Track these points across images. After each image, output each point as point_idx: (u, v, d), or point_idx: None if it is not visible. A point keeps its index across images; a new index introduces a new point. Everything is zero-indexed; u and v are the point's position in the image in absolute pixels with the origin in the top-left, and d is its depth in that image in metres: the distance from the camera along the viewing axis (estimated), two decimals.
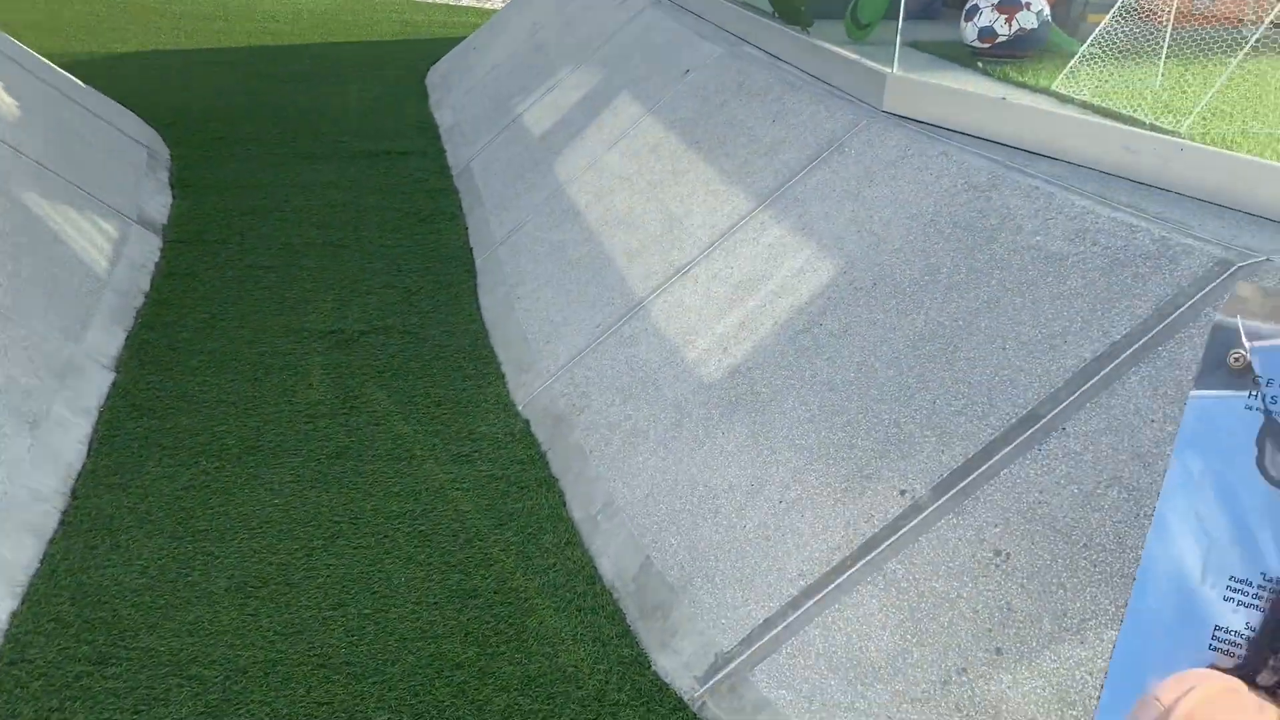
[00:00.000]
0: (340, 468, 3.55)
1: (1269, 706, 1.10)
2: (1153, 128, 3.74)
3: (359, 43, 10.66)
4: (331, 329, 4.58)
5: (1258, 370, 1.21)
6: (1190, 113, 3.77)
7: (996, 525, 2.47)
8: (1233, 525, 1.22)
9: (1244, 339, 1.24)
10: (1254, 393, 1.19)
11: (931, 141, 3.56)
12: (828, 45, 4.55)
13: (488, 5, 12.80)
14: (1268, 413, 1.20)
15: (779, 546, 2.78)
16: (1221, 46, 4.48)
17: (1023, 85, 4.46)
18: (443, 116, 7.90)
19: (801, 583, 2.67)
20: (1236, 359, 1.24)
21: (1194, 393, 1.27)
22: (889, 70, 3.93)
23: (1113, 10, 4.33)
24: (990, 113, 3.56)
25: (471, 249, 5.57)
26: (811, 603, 2.62)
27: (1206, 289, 2.56)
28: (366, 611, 2.90)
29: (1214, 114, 3.89)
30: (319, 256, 5.41)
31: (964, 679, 2.33)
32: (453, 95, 8.15)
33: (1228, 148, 3.45)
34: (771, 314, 3.42)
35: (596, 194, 4.96)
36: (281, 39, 10.74)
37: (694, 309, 3.71)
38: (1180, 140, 3.05)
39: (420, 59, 9.84)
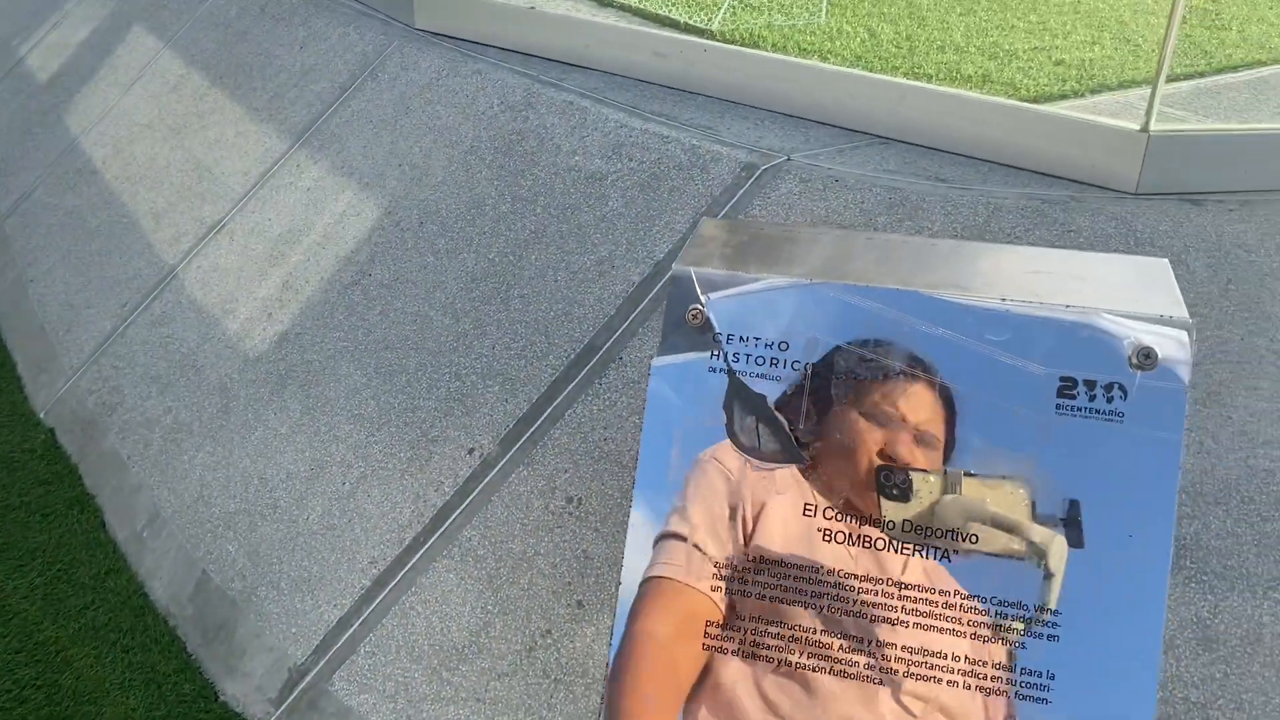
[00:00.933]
0: None
1: None
2: (687, 27, 3.72)
3: None
4: None
5: (716, 327, 1.08)
6: (720, 8, 3.79)
7: (566, 470, 2.34)
8: (710, 506, 1.10)
9: (699, 291, 1.10)
10: (715, 352, 1.05)
11: (466, 60, 3.31)
12: None
13: None
14: (731, 372, 1.07)
15: (347, 534, 2.51)
16: None
17: None
18: None
19: (374, 571, 2.42)
20: (694, 315, 1.09)
21: (656, 360, 1.12)
22: None
23: None
24: (522, 25, 3.36)
25: None
26: (386, 591, 2.39)
27: (737, 196, 2.53)
28: None
29: (745, 8, 3.94)
30: None
31: (549, 640, 2.20)
32: None
33: (755, 44, 3.48)
34: (317, 269, 3.07)
35: (115, 146, 4.28)
36: None
37: (233, 272, 3.28)
38: (704, 42, 3.01)
39: None
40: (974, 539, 0.89)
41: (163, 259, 3.53)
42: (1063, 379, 0.93)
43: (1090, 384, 0.91)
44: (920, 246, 1.10)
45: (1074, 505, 0.90)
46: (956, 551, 0.90)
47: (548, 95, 3.01)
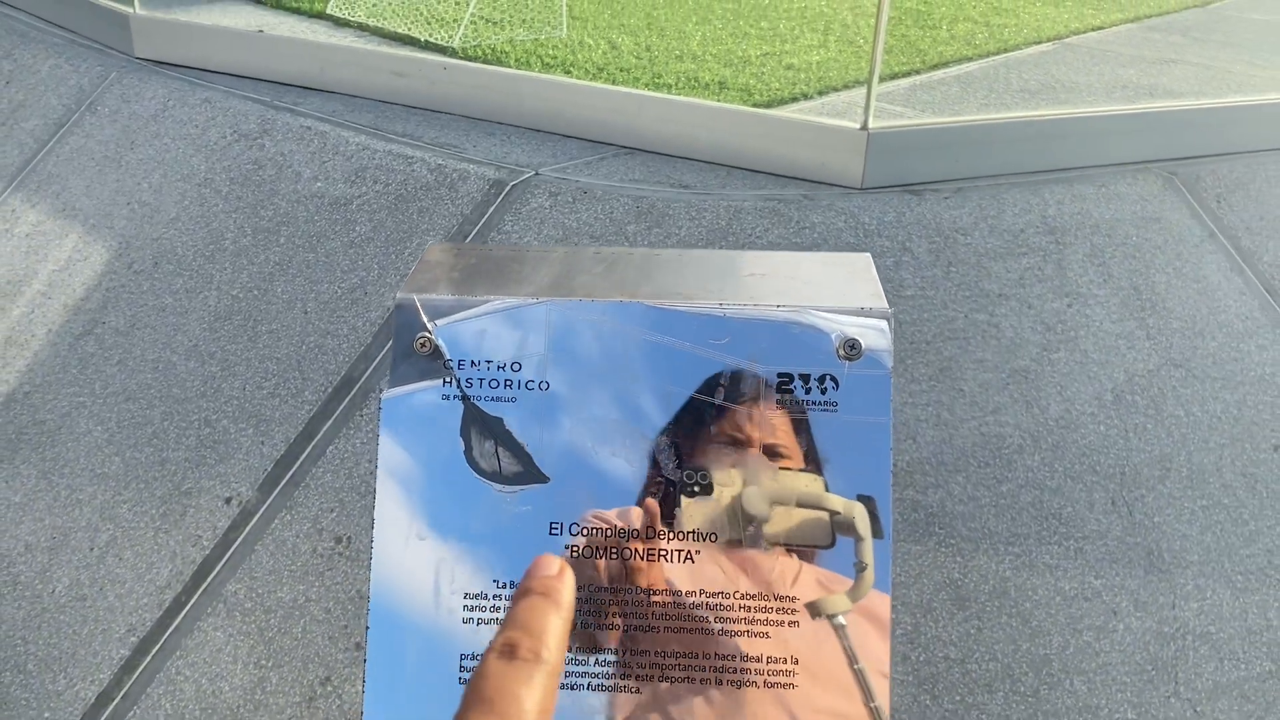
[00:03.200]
0: None
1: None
2: (428, 45, 3.68)
3: None
4: None
5: (446, 353, 1.06)
6: (461, 24, 3.76)
7: (332, 509, 2.26)
8: (459, 537, 1.08)
9: (425, 319, 1.08)
10: (448, 379, 1.03)
11: (194, 89, 3.14)
12: None
13: None
14: (465, 398, 1.05)
15: (100, 604, 2.33)
16: None
17: (296, 11, 4.18)
18: None
19: (133, 639, 2.26)
20: (422, 344, 1.07)
21: (386, 393, 1.09)
22: (131, 10, 3.40)
23: None
24: (252, 50, 3.22)
25: None
26: (149, 659, 2.23)
27: (488, 213, 2.51)
28: None
29: (485, 23, 3.93)
30: None
31: (329, 689, 2.11)
32: None
33: (499, 60, 3.48)
34: (44, 320, 2.84)
35: None
36: None
37: None
38: (445, 59, 2.98)
39: None
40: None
41: None
42: (780, 375, 0.97)
43: (805, 378, 0.95)
44: (645, 258, 1.12)
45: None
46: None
47: (283, 121, 2.90)
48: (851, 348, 0.89)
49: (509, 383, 1.04)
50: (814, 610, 0.99)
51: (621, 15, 4.23)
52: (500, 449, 1.06)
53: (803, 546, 0.94)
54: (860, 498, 0.95)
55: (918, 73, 3.66)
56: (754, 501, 1.01)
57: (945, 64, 3.78)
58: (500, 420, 1.05)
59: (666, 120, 2.70)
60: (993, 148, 2.59)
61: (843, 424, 0.89)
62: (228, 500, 2.35)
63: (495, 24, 3.92)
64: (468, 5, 3.80)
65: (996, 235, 2.49)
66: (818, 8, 4.63)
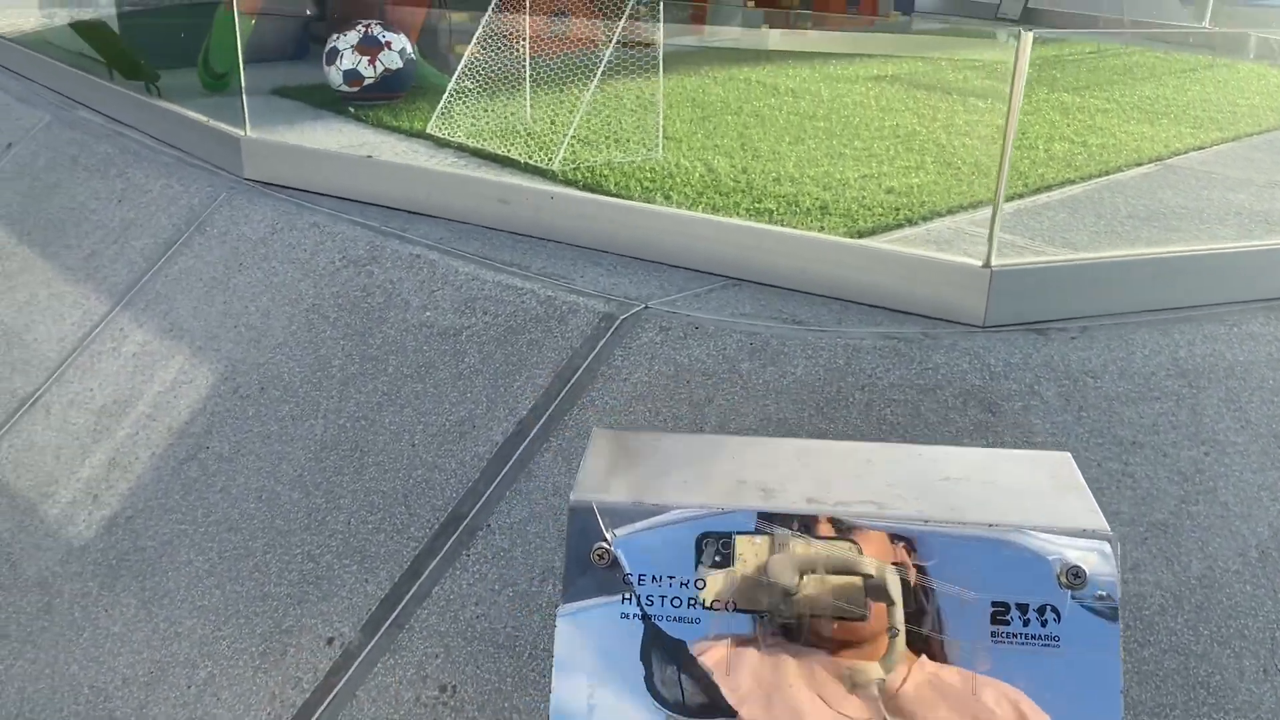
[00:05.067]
0: None
1: None
2: (527, 167, 3.71)
3: None
4: None
5: (626, 567, 0.99)
6: (559, 146, 3.80)
7: (437, 655, 2.19)
8: None
9: (603, 527, 1.02)
10: (628, 595, 0.96)
11: (301, 211, 3.18)
12: (173, 106, 3.98)
13: None
14: (647, 617, 0.98)
15: None
16: (581, 71, 4.63)
17: (397, 130, 4.26)
18: None
19: None
20: (600, 555, 1.01)
21: (562, 608, 1.02)
22: (242, 133, 3.48)
23: (474, 39, 4.27)
24: (359, 174, 3.26)
25: None
26: None
27: (598, 347, 2.47)
28: None
29: (583, 143, 3.96)
30: None
31: None
32: None
33: (598, 183, 3.49)
34: (148, 443, 2.84)
35: None
36: None
37: (50, 450, 3.00)
38: (551, 188, 2.99)
39: None
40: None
41: None
42: (995, 604, 0.88)
43: (1023, 608, 0.86)
44: (823, 452, 1.04)
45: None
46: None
47: (392, 248, 2.91)
48: (1075, 576, 0.80)
49: (693, 601, 0.97)
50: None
51: (715, 136, 4.25)
52: (684, 677, 0.98)
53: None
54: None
55: (1020, 196, 3.60)
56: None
57: (1048, 187, 3.72)
58: (683, 644, 0.97)
59: (777, 252, 2.66)
60: (1119, 285, 2.51)
61: (1067, 663, 0.80)
62: (330, 640, 2.28)
63: (590, 144, 3.96)
64: (567, 128, 3.84)
65: (1127, 379, 2.38)
66: (909, 125, 4.62)
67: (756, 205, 3.31)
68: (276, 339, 2.85)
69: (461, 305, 2.67)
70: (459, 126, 4.16)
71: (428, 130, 4.18)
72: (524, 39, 4.37)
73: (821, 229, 3.06)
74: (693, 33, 6.50)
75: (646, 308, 2.54)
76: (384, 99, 4.61)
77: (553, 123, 4.26)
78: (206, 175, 3.56)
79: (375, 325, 2.74)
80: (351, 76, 4.53)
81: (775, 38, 6.90)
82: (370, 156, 3.30)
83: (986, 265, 2.43)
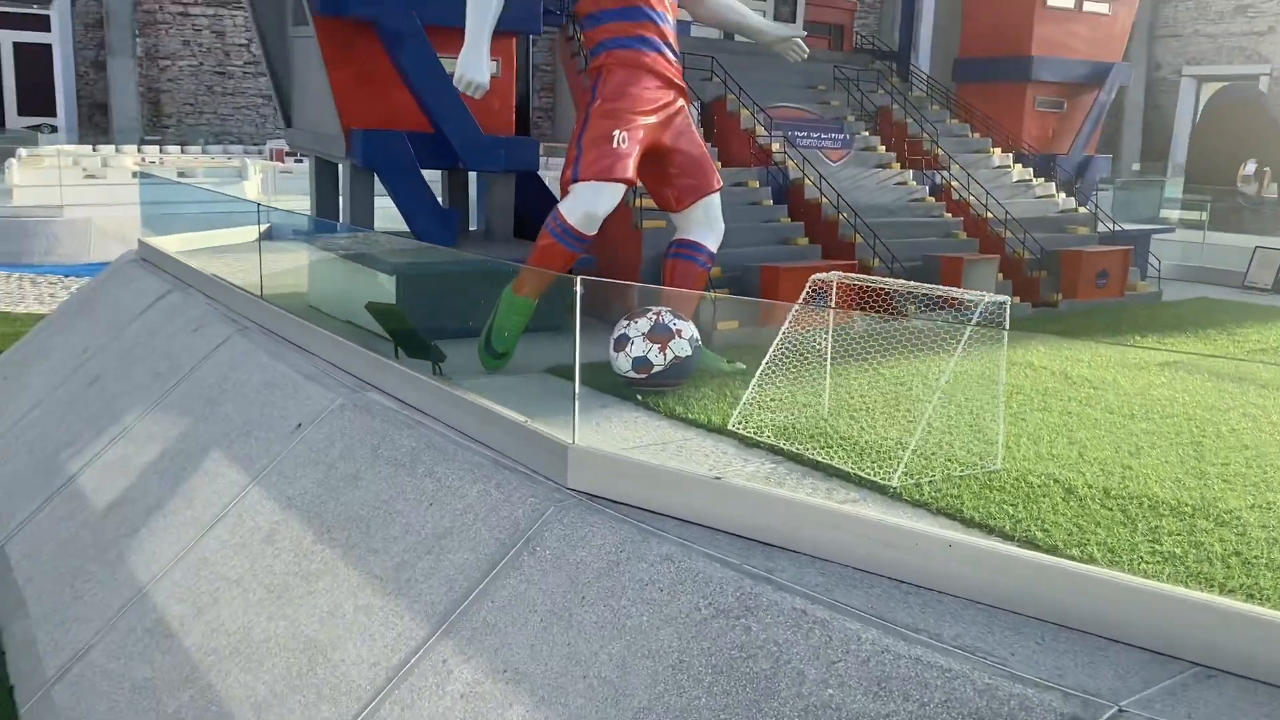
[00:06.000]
0: None
1: None
2: (859, 479, 3.38)
3: None
4: None
5: None
6: (898, 460, 3.47)
7: None
8: None
9: None
10: None
11: (647, 539, 2.90)
12: (482, 400, 3.85)
13: (21, 308, 10.93)
14: None
15: None
16: (884, 359, 4.35)
17: (694, 423, 4.03)
18: None
19: None
20: None
21: None
22: (570, 441, 3.28)
23: (780, 335, 4.06)
24: (707, 497, 2.99)
25: (10, 688, 4.06)
26: None
27: None
28: None
29: (917, 454, 3.62)
30: None
31: None
32: None
33: (956, 509, 3.13)
34: None
35: (195, 604, 3.78)
36: None
37: None
38: (949, 535, 2.63)
39: None
40: None
41: None
42: None
43: None
44: None
45: None
46: None
47: (767, 597, 2.57)
48: None
49: None
50: None
51: (1034, 438, 3.88)
52: None
53: None
54: None
55: None
56: None
57: None
58: None
59: (1267, 640, 2.20)
60: None
61: None
62: None
63: (925, 456, 3.61)
64: (911, 437, 3.52)
65: None
66: (1251, 429, 4.15)
67: (1156, 548, 2.87)
68: (638, 701, 2.50)
69: (873, 685, 2.28)
70: (764, 423, 3.90)
71: (729, 426, 3.93)
72: (828, 333, 4.15)
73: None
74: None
75: (1121, 711, 2.09)
76: (669, 386, 4.44)
77: (868, 424, 3.97)
78: (525, 481, 3.35)
79: (763, 699, 2.36)
80: (641, 364, 4.38)
81: (1026, 311, 6.59)
82: (719, 478, 3.03)
83: None
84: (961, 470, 3.49)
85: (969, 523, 3.03)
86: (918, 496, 3.24)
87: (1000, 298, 3.50)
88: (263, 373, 4.91)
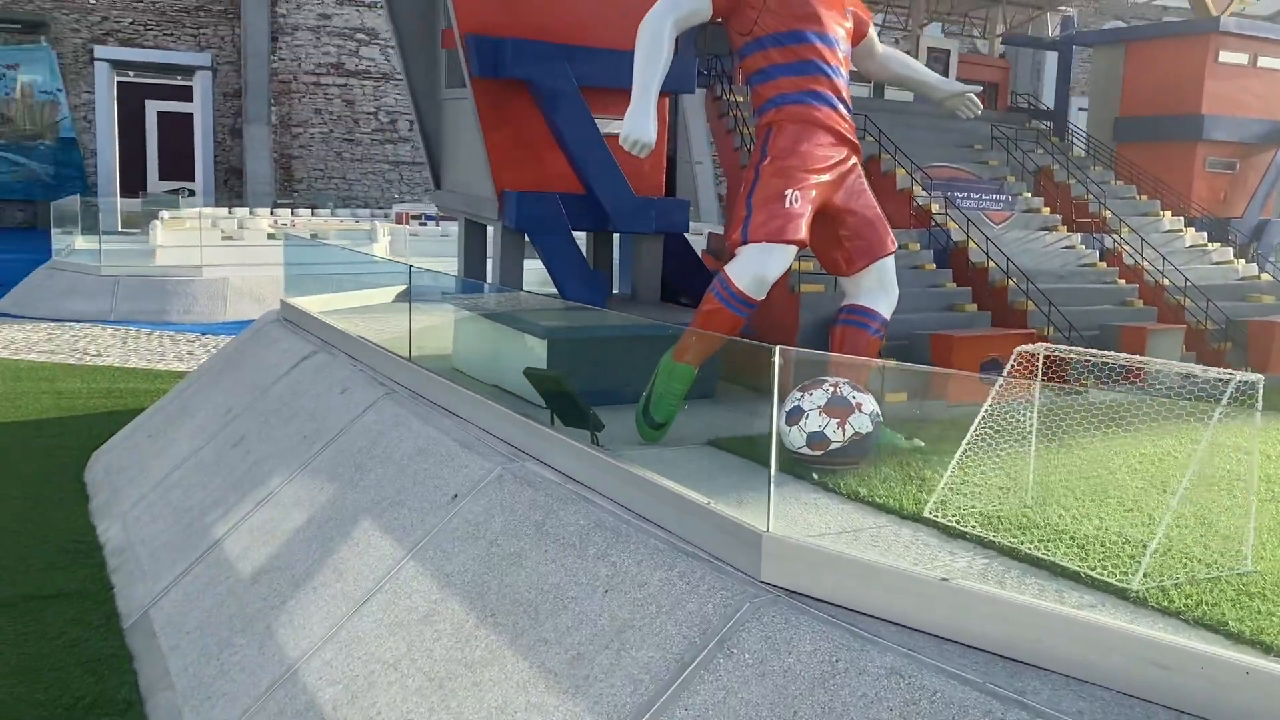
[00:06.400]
0: None
1: None
2: (1091, 580, 2.99)
3: None
4: None
5: None
6: (1138, 558, 3.06)
7: None
8: None
9: None
10: None
11: (864, 647, 2.56)
12: (650, 475, 3.57)
13: (162, 365, 11.18)
14: None
15: None
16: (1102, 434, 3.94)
17: (883, 508, 3.68)
18: (110, 531, 6.17)
19: None
20: None
21: None
22: (764, 529, 2.97)
23: (977, 419, 3.69)
24: (930, 599, 2.64)
25: None
26: None
27: None
28: None
29: (1163, 553, 3.19)
30: None
31: None
32: (123, 500, 6.47)
33: (1217, 619, 2.71)
34: None
35: (349, 687, 3.55)
36: None
37: None
38: (1246, 662, 2.23)
39: (78, 443, 8.03)
40: None
41: None
42: None
43: None
44: None
45: None
46: None
47: None
48: None
49: None
50: None
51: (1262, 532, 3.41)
52: None
53: None
54: None
55: None
56: None
57: None
58: None
59: None
60: None
61: None
62: None
63: (1158, 554, 3.19)
64: (1152, 535, 3.11)
65: None
66: None
67: None
68: None
69: None
70: (966, 510, 3.53)
71: (926, 513, 3.57)
72: (1033, 409, 3.77)
73: None
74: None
75: None
76: (847, 465, 4.10)
77: (1079, 515, 3.56)
78: (712, 571, 3.05)
79: None
80: (816, 439, 4.06)
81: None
82: (945, 579, 2.68)
83: None
84: (1209, 572, 3.07)
85: (1236, 638, 2.62)
86: (1165, 603, 2.83)
87: (1253, 376, 3.09)
88: (414, 438, 4.73)
